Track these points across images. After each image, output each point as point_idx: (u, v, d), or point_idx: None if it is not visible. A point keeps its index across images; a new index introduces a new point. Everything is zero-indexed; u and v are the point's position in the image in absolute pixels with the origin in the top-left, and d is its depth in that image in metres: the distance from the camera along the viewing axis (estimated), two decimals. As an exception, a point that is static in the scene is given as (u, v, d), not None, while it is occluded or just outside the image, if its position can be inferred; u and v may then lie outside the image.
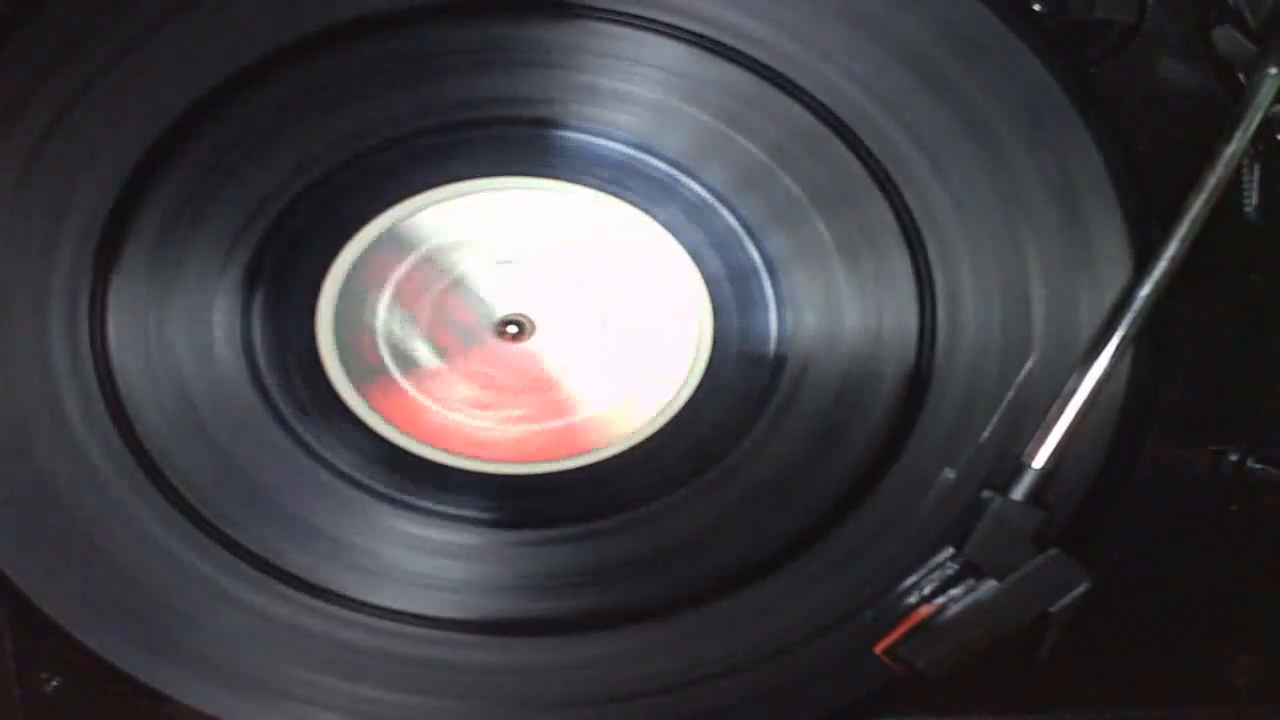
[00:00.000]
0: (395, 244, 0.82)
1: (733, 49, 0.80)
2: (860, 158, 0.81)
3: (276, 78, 0.79)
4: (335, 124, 0.80)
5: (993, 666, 0.84)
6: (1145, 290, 0.79)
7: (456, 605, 0.85)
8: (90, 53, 0.78)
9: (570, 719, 0.86)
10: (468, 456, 0.84)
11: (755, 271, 0.82)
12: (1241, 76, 0.82)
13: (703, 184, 0.82)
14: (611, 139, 0.81)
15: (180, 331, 0.81)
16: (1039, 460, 0.80)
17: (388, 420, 0.84)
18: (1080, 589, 0.80)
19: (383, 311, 0.83)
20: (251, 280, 0.81)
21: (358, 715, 0.85)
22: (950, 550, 0.82)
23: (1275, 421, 0.87)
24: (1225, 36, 0.82)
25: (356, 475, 0.84)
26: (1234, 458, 0.86)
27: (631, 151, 0.82)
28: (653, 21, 0.80)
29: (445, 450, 0.84)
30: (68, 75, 0.78)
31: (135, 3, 0.78)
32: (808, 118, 0.81)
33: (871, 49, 0.80)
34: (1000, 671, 0.86)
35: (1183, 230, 0.78)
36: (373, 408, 0.83)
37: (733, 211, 0.82)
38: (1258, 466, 0.86)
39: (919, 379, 0.82)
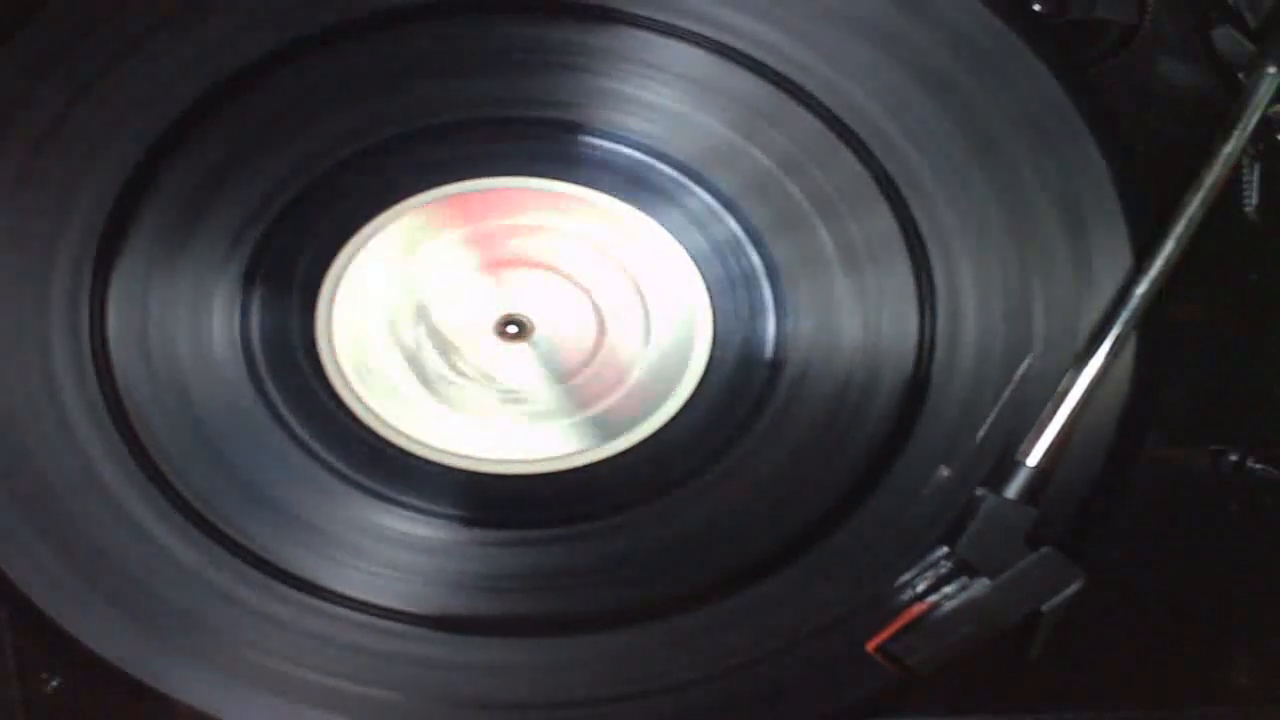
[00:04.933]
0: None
1: (746, 55, 0.80)
2: (864, 162, 0.81)
3: (276, 77, 0.79)
4: (336, 123, 0.80)
5: (995, 667, 0.84)
6: (1141, 289, 0.79)
7: (457, 606, 0.85)
8: (90, 53, 0.78)
9: (568, 719, 0.86)
10: (469, 457, 0.84)
11: (756, 278, 0.82)
12: (1241, 76, 0.82)
13: (709, 190, 0.82)
14: (623, 143, 0.82)
15: (180, 331, 0.81)
16: (1033, 458, 0.80)
17: (388, 422, 0.84)
18: (1073, 588, 0.80)
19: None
20: (251, 279, 0.81)
21: (360, 715, 0.85)
22: (944, 548, 0.82)
23: (1275, 421, 0.87)
24: (1225, 36, 0.82)
25: (356, 476, 0.84)
26: (1234, 458, 0.86)
27: (642, 156, 0.82)
28: (670, 26, 0.80)
29: (444, 450, 0.84)
30: (68, 75, 0.78)
31: (135, 3, 0.78)
32: (814, 123, 0.81)
33: (874, 52, 0.80)
34: (1002, 672, 0.85)
35: (1179, 229, 0.78)
36: (370, 408, 0.83)
37: (737, 218, 0.82)
38: (1258, 466, 0.86)
39: (919, 383, 0.82)
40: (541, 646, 0.85)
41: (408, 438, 0.84)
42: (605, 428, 0.84)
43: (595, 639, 0.85)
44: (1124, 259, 0.81)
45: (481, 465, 0.84)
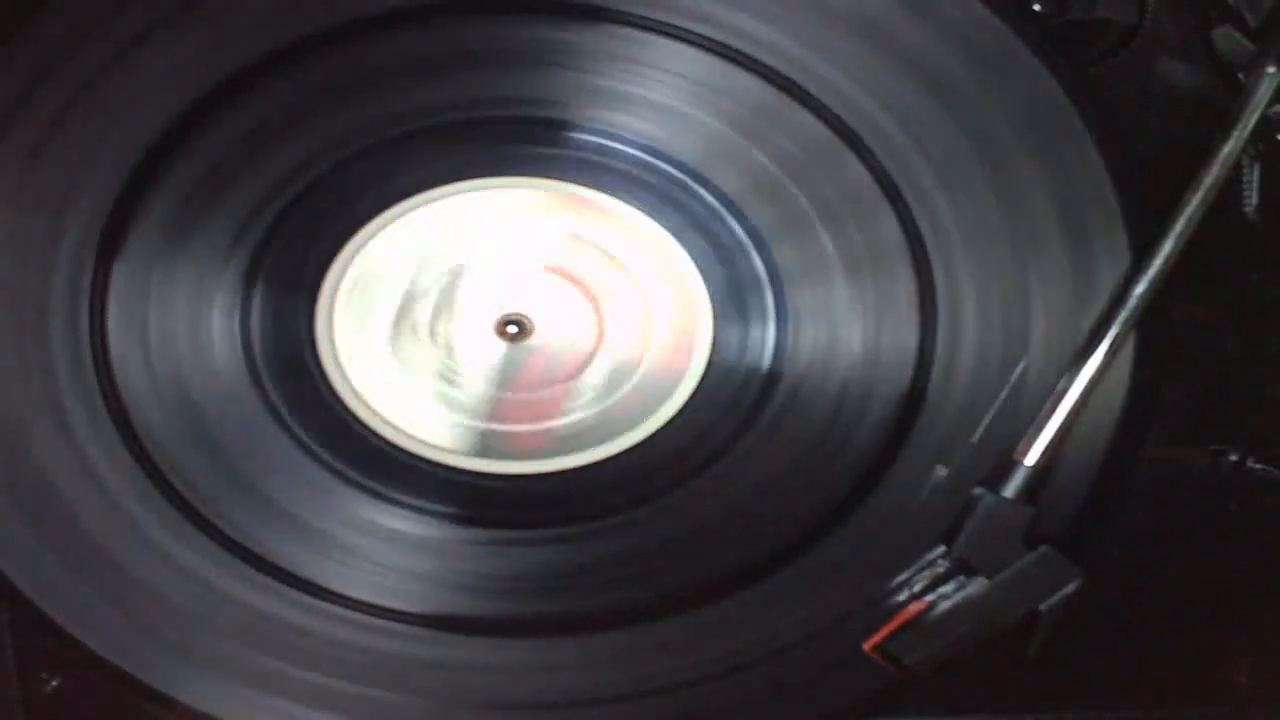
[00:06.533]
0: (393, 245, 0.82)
1: (746, 56, 0.80)
2: (866, 164, 0.81)
3: (276, 77, 0.79)
4: (336, 123, 0.80)
5: (994, 667, 0.84)
6: (1139, 289, 0.79)
7: (456, 606, 0.85)
8: (90, 53, 0.78)
9: (568, 719, 0.86)
10: (468, 456, 0.84)
11: (758, 282, 0.82)
12: (1241, 76, 0.82)
13: (711, 191, 0.82)
14: (623, 142, 0.82)
15: (180, 331, 0.81)
16: (1031, 458, 0.80)
17: (387, 421, 0.84)
18: (1071, 587, 0.80)
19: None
20: (251, 279, 0.81)
21: (359, 715, 0.85)
22: (941, 548, 0.82)
23: (1275, 421, 0.87)
24: (1225, 36, 0.82)
25: (355, 475, 0.84)
26: (1234, 458, 0.86)
27: (642, 155, 0.82)
28: (670, 26, 0.80)
29: (442, 449, 0.84)
30: (68, 75, 0.78)
31: (135, 3, 0.78)
32: (816, 125, 0.81)
33: (874, 52, 0.80)
34: (1001, 672, 0.85)
35: (1178, 228, 0.78)
36: (370, 408, 0.83)
37: (739, 220, 0.82)
38: (1258, 466, 0.86)
39: (919, 383, 0.82)
40: (540, 646, 0.85)
41: (407, 437, 0.84)
42: (604, 428, 0.84)
43: (594, 639, 0.85)
44: (1123, 259, 0.81)
45: (479, 465, 0.84)
